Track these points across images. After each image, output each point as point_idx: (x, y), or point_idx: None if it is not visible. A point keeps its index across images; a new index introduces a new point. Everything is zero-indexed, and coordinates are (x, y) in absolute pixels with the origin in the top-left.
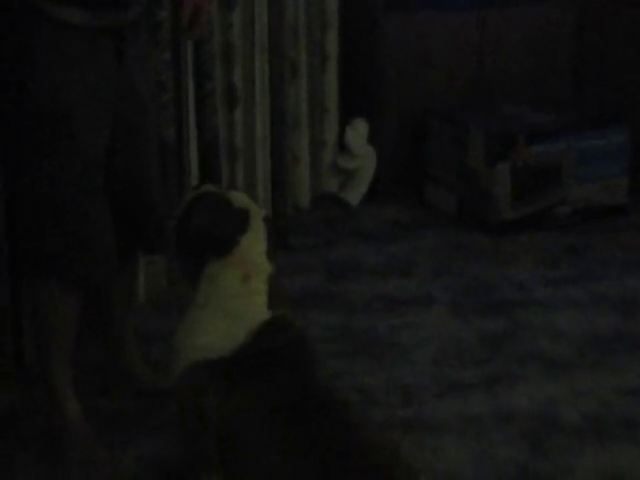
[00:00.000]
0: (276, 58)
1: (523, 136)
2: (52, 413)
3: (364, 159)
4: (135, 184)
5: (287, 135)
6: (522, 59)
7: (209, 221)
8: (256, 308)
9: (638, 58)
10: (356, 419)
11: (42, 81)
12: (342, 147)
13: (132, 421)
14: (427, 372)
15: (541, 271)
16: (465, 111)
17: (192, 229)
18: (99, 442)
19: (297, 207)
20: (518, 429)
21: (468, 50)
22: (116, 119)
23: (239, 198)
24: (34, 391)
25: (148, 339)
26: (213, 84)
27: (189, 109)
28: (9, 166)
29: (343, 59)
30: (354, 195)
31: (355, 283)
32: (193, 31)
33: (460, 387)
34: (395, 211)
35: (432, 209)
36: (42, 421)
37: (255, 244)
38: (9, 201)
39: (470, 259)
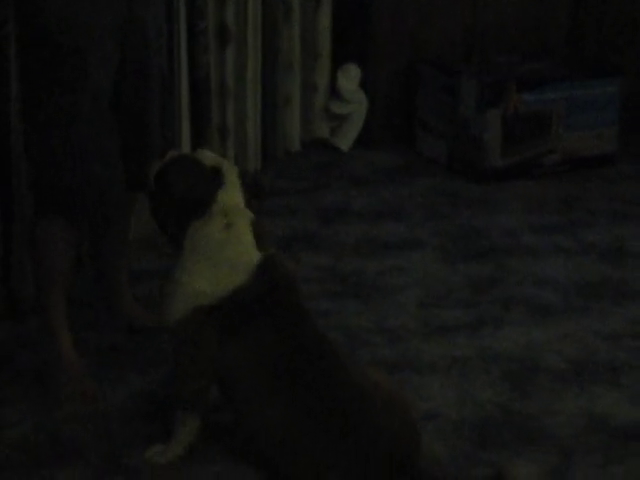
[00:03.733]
0: None
1: (514, 84)
2: (46, 347)
3: (356, 104)
4: (137, 122)
5: (279, 77)
6: (518, 8)
7: (184, 185)
8: (245, 251)
9: (635, 9)
10: (346, 360)
11: (53, 15)
12: (334, 92)
13: (121, 357)
14: (413, 314)
15: (529, 218)
16: (457, 59)
17: (169, 196)
18: (89, 377)
19: (288, 151)
20: (501, 371)
21: None
22: (122, 55)
23: (209, 157)
24: (23, 327)
25: (138, 277)
26: (205, 22)
27: (181, 46)
28: (25, 102)
29: (336, 3)
30: (345, 140)
31: (345, 226)
32: None
33: (445, 329)
34: (386, 157)
35: (423, 156)
36: (31, 356)
37: (232, 197)
38: (26, 142)
39: (459, 205)
